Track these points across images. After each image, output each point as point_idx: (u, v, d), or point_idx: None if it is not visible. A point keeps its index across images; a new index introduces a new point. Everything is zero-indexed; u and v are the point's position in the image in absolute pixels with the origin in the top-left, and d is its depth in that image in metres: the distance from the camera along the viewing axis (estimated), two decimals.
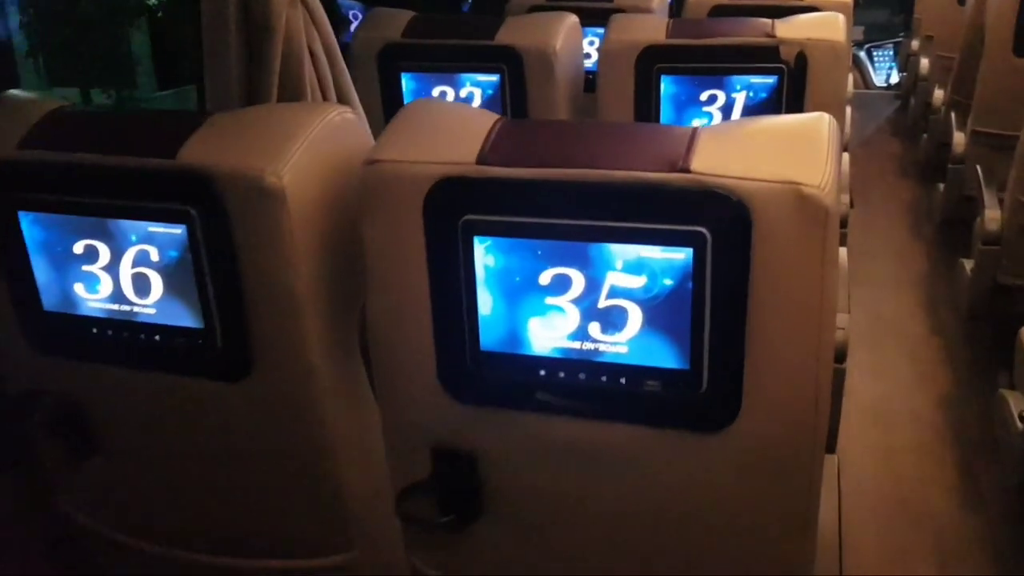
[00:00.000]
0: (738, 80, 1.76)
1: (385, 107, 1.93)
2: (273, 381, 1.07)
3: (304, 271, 0.99)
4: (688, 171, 0.86)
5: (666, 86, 1.78)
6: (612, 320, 0.92)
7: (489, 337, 0.96)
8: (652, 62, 1.77)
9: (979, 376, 2.69)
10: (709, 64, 1.77)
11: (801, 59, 1.73)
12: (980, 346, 2.85)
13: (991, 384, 2.56)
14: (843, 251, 2.03)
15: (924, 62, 4.76)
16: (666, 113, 1.80)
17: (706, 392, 0.92)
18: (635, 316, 0.91)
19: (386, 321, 1.00)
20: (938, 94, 4.22)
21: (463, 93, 1.89)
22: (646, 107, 1.80)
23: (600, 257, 0.89)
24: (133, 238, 1.03)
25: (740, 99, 1.77)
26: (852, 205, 2.52)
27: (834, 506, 1.23)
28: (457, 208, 0.92)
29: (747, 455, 0.94)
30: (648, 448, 0.97)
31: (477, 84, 1.87)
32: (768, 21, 1.79)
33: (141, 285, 1.05)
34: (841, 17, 1.81)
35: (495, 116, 0.98)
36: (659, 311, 0.90)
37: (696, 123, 1.80)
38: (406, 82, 1.91)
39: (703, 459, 0.96)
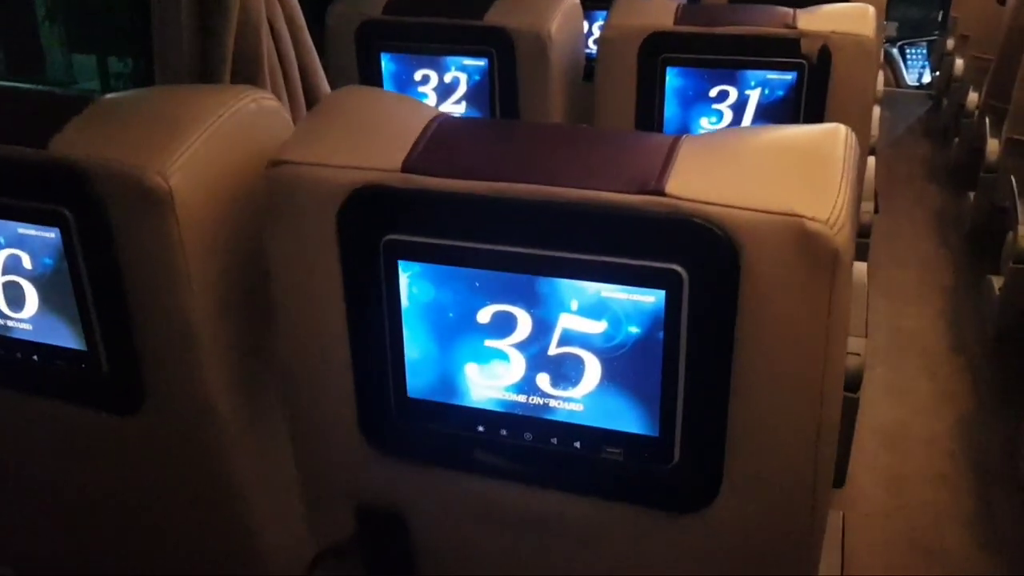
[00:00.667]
0: (752, 75, 1.56)
1: None
2: (168, 417, 0.89)
3: (200, 292, 0.82)
4: (662, 193, 0.67)
5: (671, 79, 1.59)
6: (565, 371, 0.74)
7: (418, 383, 0.78)
8: (657, 51, 1.58)
9: (1003, 402, 2.49)
10: (720, 56, 1.57)
11: (824, 54, 1.53)
12: (1006, 369, 2.64)
13: (1016, 411, 2.37)
14: (862, 266, 1.83)
15: (959, 62, 4.53)
16: (671, 110, 1.61)
17: (678, 465, 0.74)
18: (592, 368, 0.73)
19: (297, 357, 0.82)
20: (972, 97, 4.00)
21: (448, 78, 1.71)
22: (649, 102, 1.61)
23: (552, 294, 0.71)
24: (1, 240, 0.86)
25: (754, 96, 1.58)
26: (877, 210, 2.33)
27: (836, 563, 1.05)
28: (378, 225, 0.74)
29: (728, 540, 0.76)
30: (607, 526, 0.79)
31: (463, 69, 1.69)
32: (789, 11, 1.59)
33: (14, 296, 0.88)
34: (871, 9, 1.61)
35: (433, 111, 0.80)
36: (622, 364, 0.72)
37: (704, 122, 1.61)
38: (386, 64, 1.73)
39: (674, 543, 0.78)
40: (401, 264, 0.74)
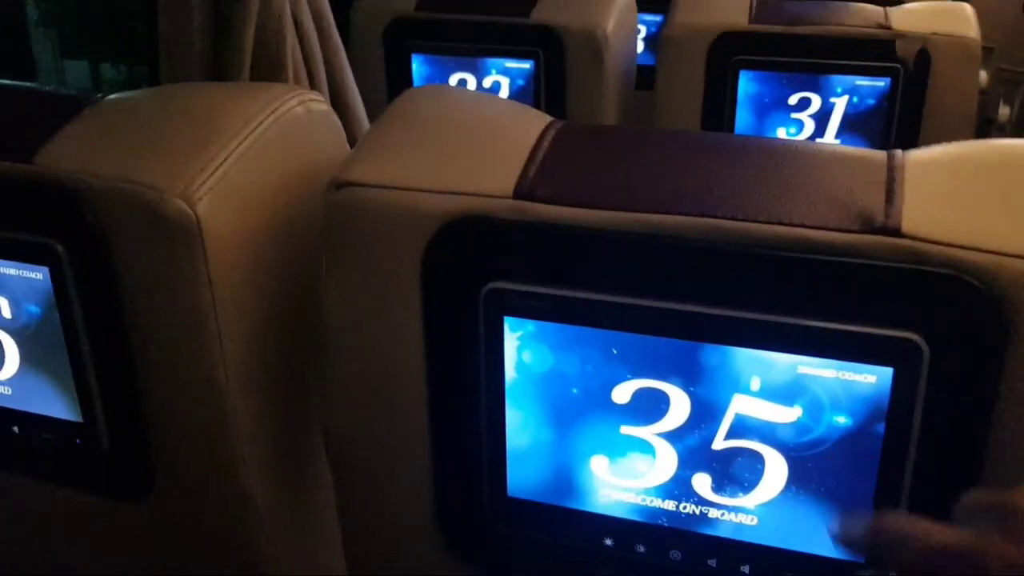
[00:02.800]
0: (839, 81, 1.38)
1: (391, 98, 1.55)
2: (186, 506, 0.70)
3: (232, 349, 0.62)
4: (896, 232, 0.48)
5: (745, 84, 1.40)
6: (735, 472, 0.54)
7: (522, 478, 0.59)
8: (729, 53, 1.39)
9: None
10: (802, 58, 1.39)
11: (923, 58, 1.34)
12: None
13: None
14: None
15: (983, 75, 4.36)
16: (743, 119, 1.42)
17: None
18: (776, 469, 0.53)
19: (356, 435, 0.63)
20: (1004, 111, 3.83)
21: (487, 82, 1.51)
22: (717, 111, 1.42)
23: (722, 368, 0.52)
24: None
25: (840, 105, 1.39)
26: None
27: None
28: (478, 268, 0.55)
29: None
30: None
31: (505, 72, 1.50)
32: (880, 8, 1.41)
33: None
34: (968, 8, 1.43)
35: (544, 118, 0.61)
36: (821, 465, 0.52)
37: (781, 132, 1.43)
38: (417, 66, 1.54)
39: None
40: (508, 321, 0.55)
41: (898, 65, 1.35)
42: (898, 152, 0.54)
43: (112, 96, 0.65)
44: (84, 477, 0.71)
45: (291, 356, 0.68)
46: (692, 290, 0.51)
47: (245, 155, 0.60)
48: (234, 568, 0.72)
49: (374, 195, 0.55)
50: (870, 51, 1.36)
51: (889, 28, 1.36)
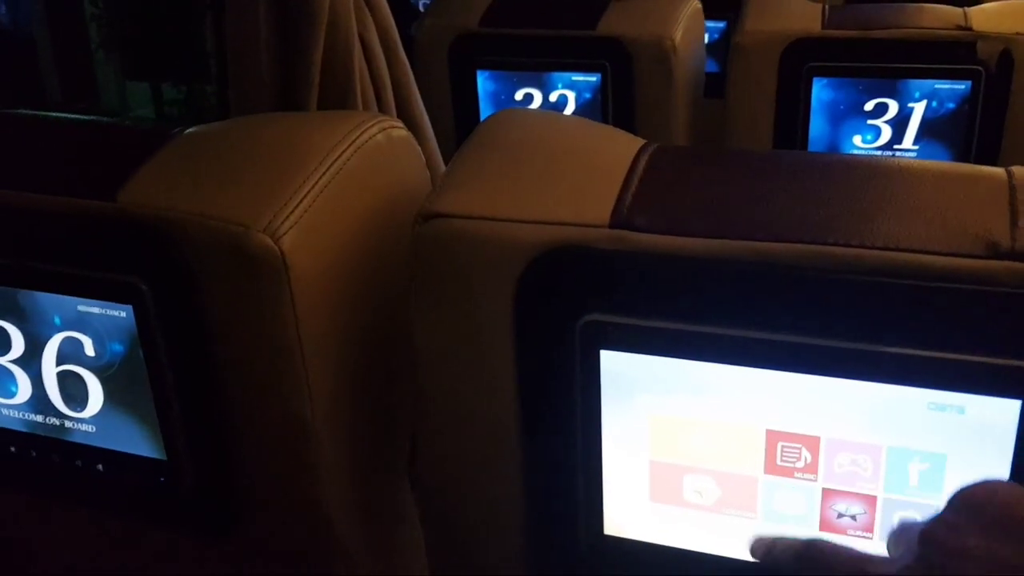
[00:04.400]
0: (917, 85, 1.33)
1: (457, 116, 1.53)
2: (271, 545, 0.69)
3: (318, 386, 0.61)
4: (1013, 252, 0.45)
5: (819, 91, 1.37)
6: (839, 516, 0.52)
7: (621, 516, 0.57)
8: (802, 59, 1.36)
9: None
10: (878, 63, 1.34)
11: (1006, 59, 1.29)
12: None
13: None
14: None
15: None
16: (817, 127, 1.39)
17: None
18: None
19: (443, 468, 0.61)
20: None
21: (553, 97, 1.50)
22: (791, 119, 1.39)
23: (836, 396, 0.49)
24: (56, 321, 0.65)
25: (919, 110, 1.34)
26: None
27: None
28: (575, 300, 0.52)
29: None
30: None
31: (571, 85, 1.48)
32: (959, 9, 1.36)
33: (74, 390, 0.68)
34: None
35: (636, 141, 0.59)
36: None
37: (857, 140, 1.38)
38: (482, 83, 1.52)
39: None
40: (605, 355, 0.53)
41: (979, 67, 1.30)
42: (1019, 169, 0.50)
43: (191, 130, 0.65)
44: (168, 515, 0.70)
45: (378, 393, 0.67)
46: (803, 321, 0.48)
47: (328, 187, 0.59)
48: None
49: (464, 226, 0.54)
50: (949, 54, 1.31)
51: (969, 29, 1.31)
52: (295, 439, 0.63)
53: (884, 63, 1.34)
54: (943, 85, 1.33)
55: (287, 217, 0.57)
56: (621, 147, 0.57)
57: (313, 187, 0.58)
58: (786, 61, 1.36)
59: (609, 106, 1.47)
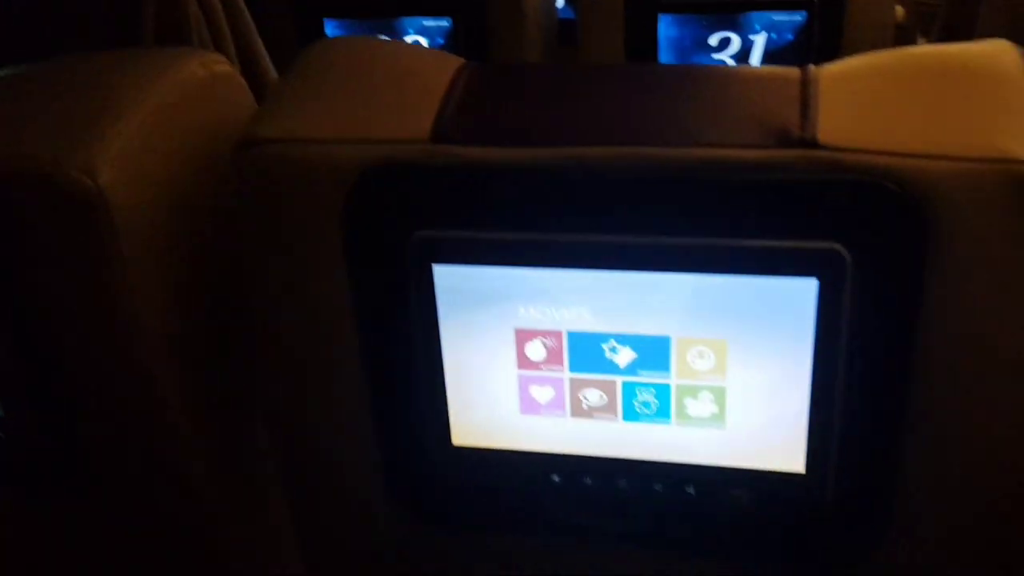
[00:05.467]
0: (757, 18, 1.38)
1: None
2: (123, 495, 0.68)
3: (151, 329, 0.60)
4: (814, 144, 0.48)
5: (665, 28, 1.40)
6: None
7: (467, 425, 0.58)
8: None
9: None
10: None
11: None
12: None
13: None
14: None
15: (899, 9, 4.41)
16: (666, 62, 1.42)
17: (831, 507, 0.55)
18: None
19: (292, 399, 0.62)
20: (921, 44, 3.89)
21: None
22: (641, 57, 1.42)
23: (656, 294, 0.52)
24: None
25: (760, 42, 1.39)
26: None
27: None
28: (402, 217, 0.53)
29: None
30: None
31: (423, 31, 1.47)
32: None
33: None
34: None
35: (456, 59, 0.60)
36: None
37: None
38: (331, 32, 1.51)
39: None
40: (438, 270, 0.54)
41: None
42: (811, 67, 0.53)
43: (1, 72, 0.63)
44: (9, 475, 0.69)
45: (219, 334, 0.66)
46: (621, 220, 0.50)
47: (146, 122, 0.58)
48: (181, 556, 0.71)
49: (283, 151, 0.54)
50: None
51: None
52: (132, 388, 0.62)
53: None
54: (781, 17, 1.38)
55: (103, 152, 0.56)
56: (444, 66, 0.58)
57: (129, 122, 0.57)
58: (631, 1, 1.39)
59: (461, 52, 1.47)
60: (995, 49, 0.54)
